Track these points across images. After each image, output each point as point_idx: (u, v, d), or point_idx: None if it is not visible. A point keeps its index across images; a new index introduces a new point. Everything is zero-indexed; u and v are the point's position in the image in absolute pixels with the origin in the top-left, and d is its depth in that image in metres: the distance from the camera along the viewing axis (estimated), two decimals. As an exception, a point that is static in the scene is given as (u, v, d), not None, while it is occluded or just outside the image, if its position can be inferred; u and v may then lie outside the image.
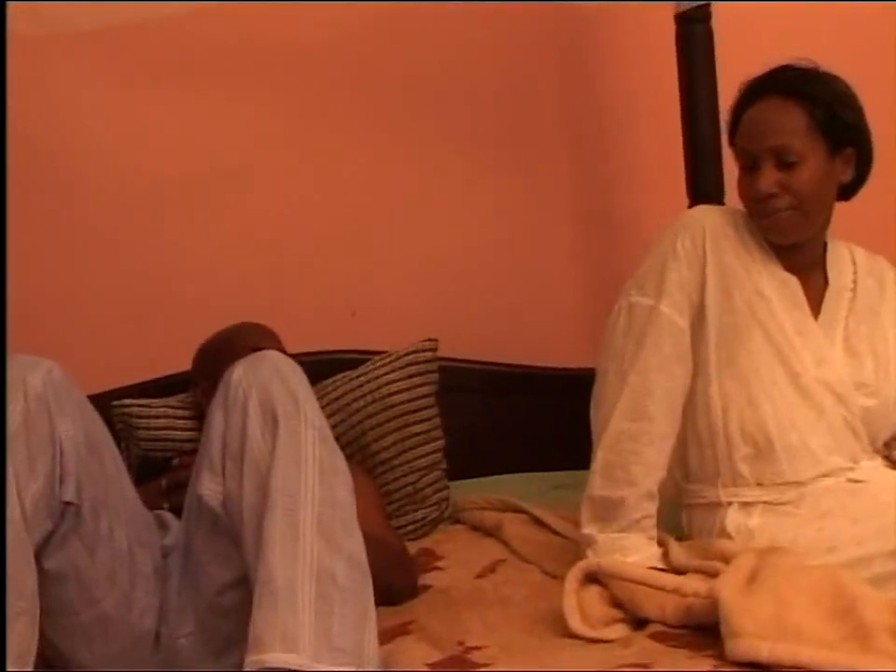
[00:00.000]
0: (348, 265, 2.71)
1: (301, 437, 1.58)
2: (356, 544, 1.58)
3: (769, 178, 1.94)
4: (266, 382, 1.61)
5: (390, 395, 2.42)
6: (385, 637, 1.72)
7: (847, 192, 2.04)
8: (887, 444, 2.09)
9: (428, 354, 2.49)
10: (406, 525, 2.37)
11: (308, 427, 1.60)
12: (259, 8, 2.44)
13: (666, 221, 2.43)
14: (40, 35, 2.21)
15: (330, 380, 2.45)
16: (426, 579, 2.08)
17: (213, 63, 2.59)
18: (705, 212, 2.09)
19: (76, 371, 2.50)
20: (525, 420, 2.61)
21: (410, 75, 2.69)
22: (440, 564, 2.13)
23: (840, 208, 2.04)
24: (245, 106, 2.63)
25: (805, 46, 2.60)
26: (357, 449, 2.38)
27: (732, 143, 2.06)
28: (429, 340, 2.50)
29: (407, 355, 2.47)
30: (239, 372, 1.64)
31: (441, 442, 2.45)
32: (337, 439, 2.30)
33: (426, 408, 2.45)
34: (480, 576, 2.09)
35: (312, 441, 1.59)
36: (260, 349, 1.86)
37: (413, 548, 2.25)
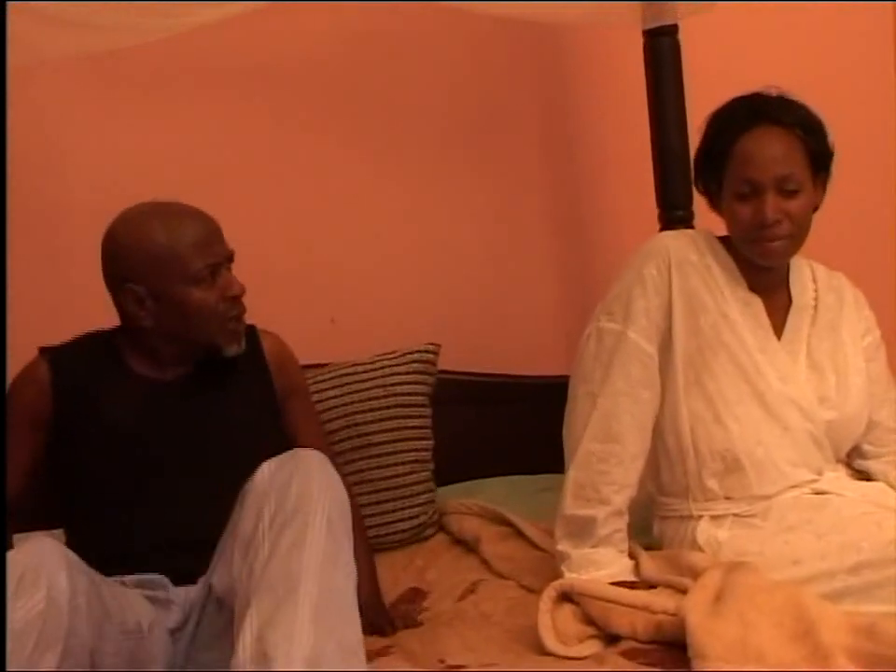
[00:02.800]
0: (327, 273, 2.76)
1: (309, 528, 1.60)
2: (350, 631, 1.58)
3: (774, 206, 1.98)
4: (287, 482, 1.65)
5: (393, 385, 2.51)
6: (367, 658, 1.73)
7: None
8: (848, 455, 2.16)
9: (431, 356, 2.59)
10: (397, 523, 2.43)
11: (319, 517, 1.61)
12: (246, 27, 2.46)
13: (636, 229, 2.50)
14: (28, 63, 2.21)
15: (340, 364, 2.52)
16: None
17: (198, 80, 2.63)
18: (669, 238, 2.14)
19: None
20: (505, 428, 2.68)
21: (390, 90, 2.74)
22: (426, 604, 2.17)
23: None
24: (229, 120, 2.67)
25: (771, 57, 2.68)
26: (356, 434, 2.45)
27: (710, 170, 2.07)
28: (432, 344, 2.59)
29: (412, 353, 2.57)
30: (265, 475, 1.68)
31: (431, 443, 2.54)
32: (338, 420, 2.44)
33: (422, 405, 2.54)
34: (461, 598, 2.15)
35: (319, 529, 1.60)
36: (218, 264, 1.92)
37: (402, 563, 2.32)
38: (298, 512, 1.61)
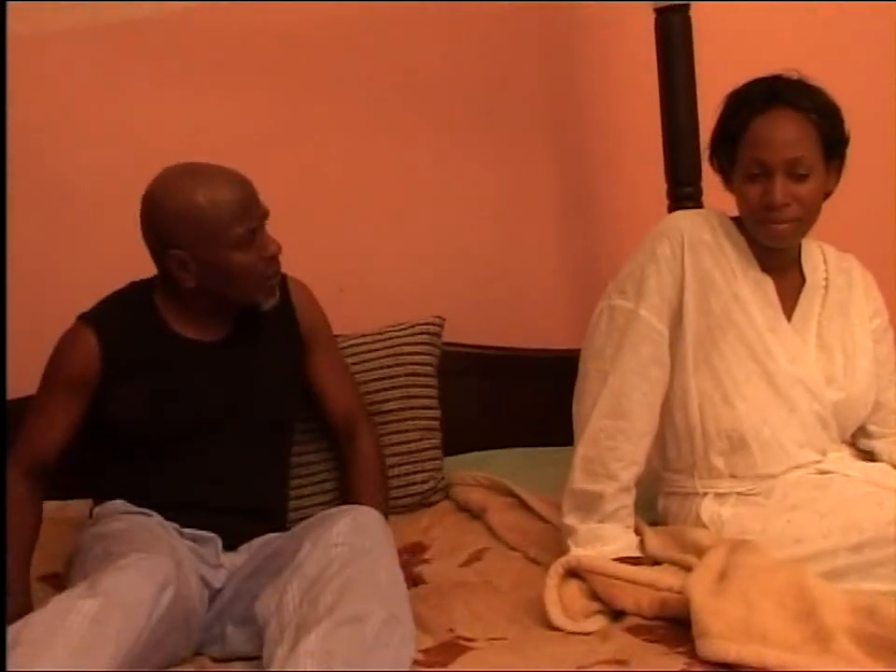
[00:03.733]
0: (336, 244, 2.77)
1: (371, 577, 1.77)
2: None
3: (784, 189, 1.99)
4: (358, 542, 1.82)
5: (402, 354, 2.55)
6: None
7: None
8: (853, 435, 2.19)
9: (437, 328, 2.63)
10: (407, 487, 2.47)
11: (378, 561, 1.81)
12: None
13: (645, 205, 2.51)
14: (32, 34, 2.22)
15: (349, 336, 2.55)
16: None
17: (200, 54, 2.64)
18: (683, 218, 2.15)
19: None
20: (512, 401, 2.70)
21: (398, 64, 2.74)
22: (427, 556, 2.22)
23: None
24: (238, 92, 2.68)
25: (782, 36, 2.67)
26: (368, 402, 2.47)
27: (725, 149, 2.08)
28: (437, 317, 2.63)
29: (419, 325, 2.61)
30: (341, 531, 1.83)
31: (439, 412, 2.57)
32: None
33: (430, 375, 2.58)
34: (465, 564, 2.18)
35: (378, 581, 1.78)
36: (257, 227, 2.00)
37: (407, 522, 2.37)
38: (363, 565, 1.77)
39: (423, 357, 2.57)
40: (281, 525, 2.15)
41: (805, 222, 2.04)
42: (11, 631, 1.59)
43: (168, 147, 2.58)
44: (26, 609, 1.82)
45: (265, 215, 2.05)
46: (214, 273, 2.00)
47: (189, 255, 1.98)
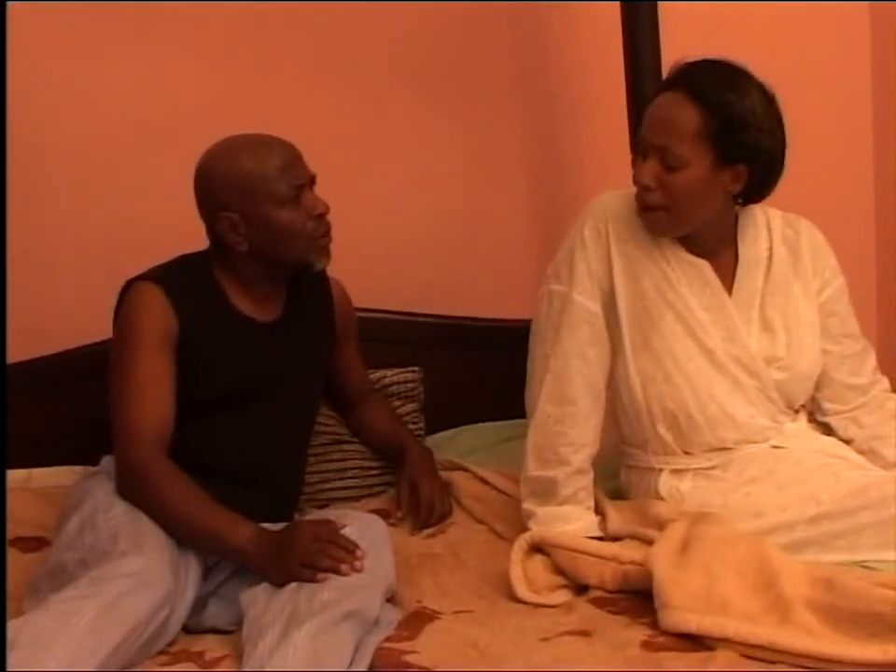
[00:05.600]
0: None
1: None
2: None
3: (649, 171, 1.96)
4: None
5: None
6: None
7: (745, 198, 2.04)
8: (811, 404, 2.20)
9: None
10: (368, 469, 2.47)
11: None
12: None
13: (610, 172, 2.52)
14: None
15: None
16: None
17: (175, 10, 2.60)
18: (611, 199, 2.11)
19: (45, 330, 2.58)
20: (475, 372, 2.71)
21: (367, 30, 2.73)
22: (392, 521, 2.22)
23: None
24: (214, 57, 2.67)
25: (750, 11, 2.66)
26: None
27: None
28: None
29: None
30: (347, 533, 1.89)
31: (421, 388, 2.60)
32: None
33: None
34: (431, 536, 2.21)
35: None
36: (302, 185, 2.06)
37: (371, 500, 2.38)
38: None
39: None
40: (291, 512, 2.19)
41: (674, 214, 1.98)
42: (11, 629, 1.58)
43: (145, 107, 2.63)
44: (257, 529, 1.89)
45: (312, 177, 2.11)
46: (263, 232, 2.05)
47: (239, 216, 2.05)
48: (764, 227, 2.12)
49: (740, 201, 2.05)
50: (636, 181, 2.00)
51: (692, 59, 2.00)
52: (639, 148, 2.01)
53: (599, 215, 2.08)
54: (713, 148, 1.94)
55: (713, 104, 1.92)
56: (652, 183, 1.97)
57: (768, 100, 1.96)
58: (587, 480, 2.10)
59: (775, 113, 1.97)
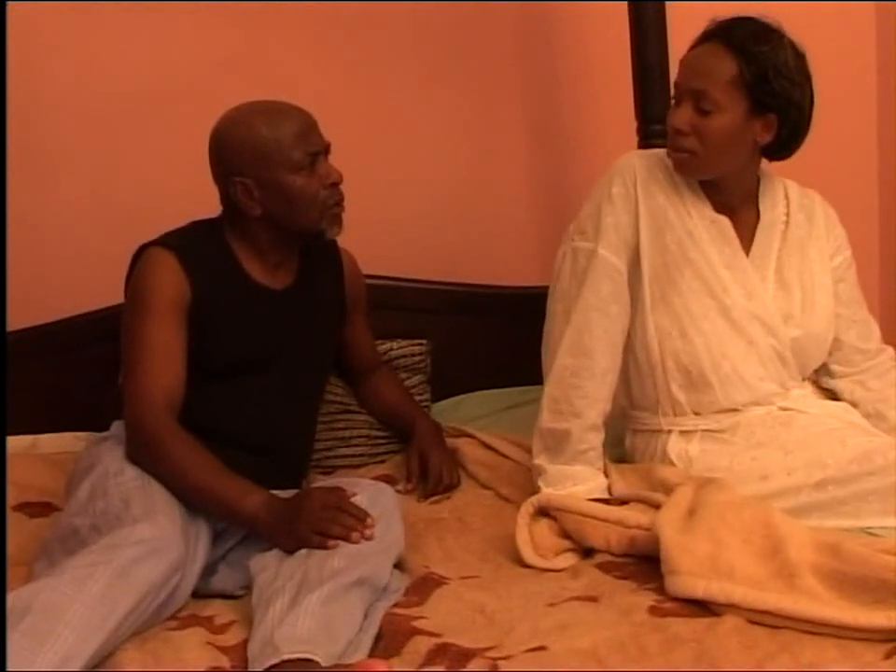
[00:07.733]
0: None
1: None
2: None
3: (682, 116, 2.00)
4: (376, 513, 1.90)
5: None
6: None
7: (772, 153, 2.09)
8: (816, 373, 2.23)
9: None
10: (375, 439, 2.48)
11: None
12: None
13: (615, 140, 2.52)
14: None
15: None
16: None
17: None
18: (637, 157, 2.16)
19: (43, 296, 2.57)
20: (481, 339, 2.70)
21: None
22: (398, 487, 2.23)
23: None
24: (208, 25, 2.65)
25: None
26: None
27: None
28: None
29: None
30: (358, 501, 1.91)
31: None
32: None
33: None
34: (437, 501, 2.22)
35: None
36: (317, 153, 2.06)
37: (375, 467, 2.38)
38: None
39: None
40: (299, 479, 2.19)
41: (701, 158, 2.02)
42: (27, 592, 1.60)
43: (139, 74, 2.62)
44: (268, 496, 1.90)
45: (327, 146, 2.12)
46: (277, 197, 2.06)
47: (253, 181, 2.05)
48: (782, 194, 2.18)
49: (767, 155, 2.08)
50: (669, 125, 2.03)
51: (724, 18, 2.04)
52: (674, 95, 2.04)
53: (627, 172, 2.10)
54: (747, 97, 1.98)
55: (749, 53, 1.97)
56: (686, 127, 2.00)
57: (800, 56, 2.01)
58: (598, 440, 2.11)
59: (805, 69, 2.02)
